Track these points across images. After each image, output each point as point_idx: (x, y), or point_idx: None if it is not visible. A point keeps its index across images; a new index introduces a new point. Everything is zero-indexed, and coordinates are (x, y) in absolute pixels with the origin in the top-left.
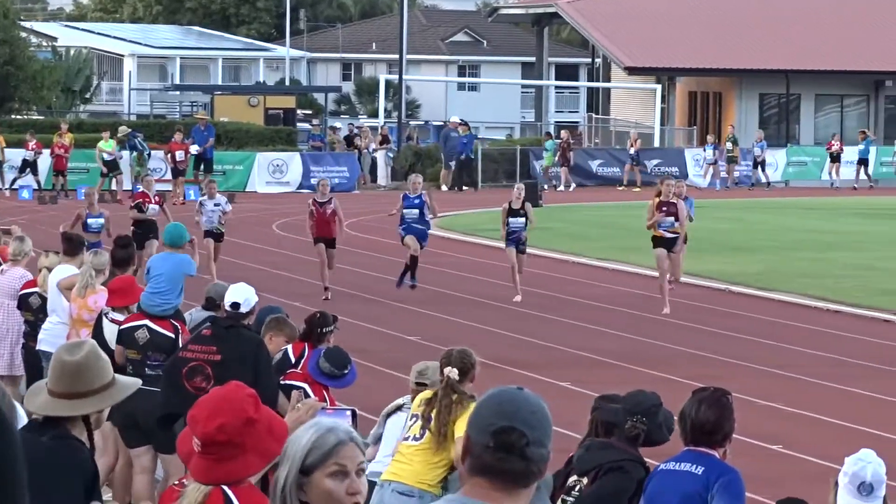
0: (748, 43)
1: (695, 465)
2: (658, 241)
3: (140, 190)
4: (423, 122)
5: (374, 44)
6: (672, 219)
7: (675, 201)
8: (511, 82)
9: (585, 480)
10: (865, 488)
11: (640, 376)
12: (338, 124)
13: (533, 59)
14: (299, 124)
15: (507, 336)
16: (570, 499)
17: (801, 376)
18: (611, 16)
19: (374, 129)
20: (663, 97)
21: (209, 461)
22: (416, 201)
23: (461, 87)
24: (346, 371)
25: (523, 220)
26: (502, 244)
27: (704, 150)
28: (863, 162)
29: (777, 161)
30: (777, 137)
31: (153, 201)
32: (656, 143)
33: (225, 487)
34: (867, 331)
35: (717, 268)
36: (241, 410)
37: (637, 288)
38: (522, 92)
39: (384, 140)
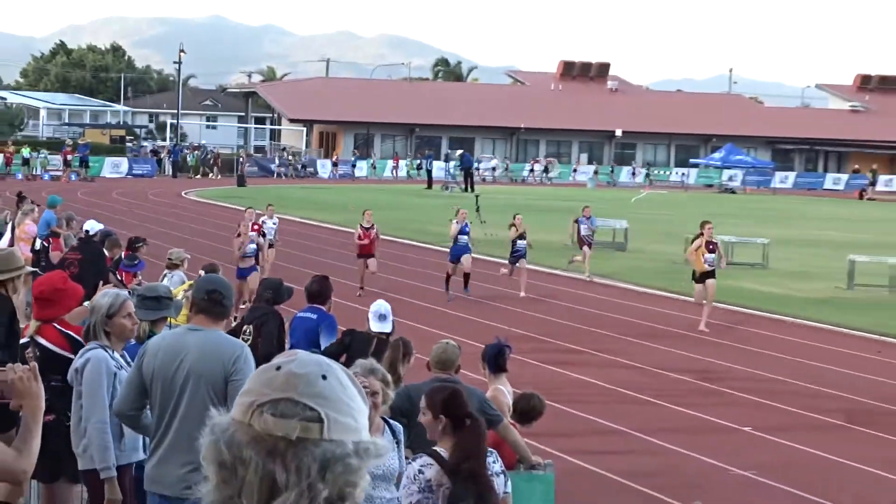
0: (349, 106)
1: (312, 314)
2: (701, 275)
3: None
4: (188, 144)
5: (165, 104)
6: (714, 255)
7: (716, 241)
8: (233, 125)
9: (252, 327)
10: (382, 317)
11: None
12: (146, 144)
13: (244, 113)
14: (127, 144)
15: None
16: (247, 336)
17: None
18: (282, 93)
19: (164, 147)
20: (308, 134)
21: (39, 308)
22: (466, 228)
23: (208, 127)
24: (136, 263)
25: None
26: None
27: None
28: (354, 166)
29: (364, 166)
30: (364, 156)
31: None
32: (303, 159)
33: (55, 323)
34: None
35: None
36: (55, 283)
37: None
38: (238, 128)
39: (169, 153)
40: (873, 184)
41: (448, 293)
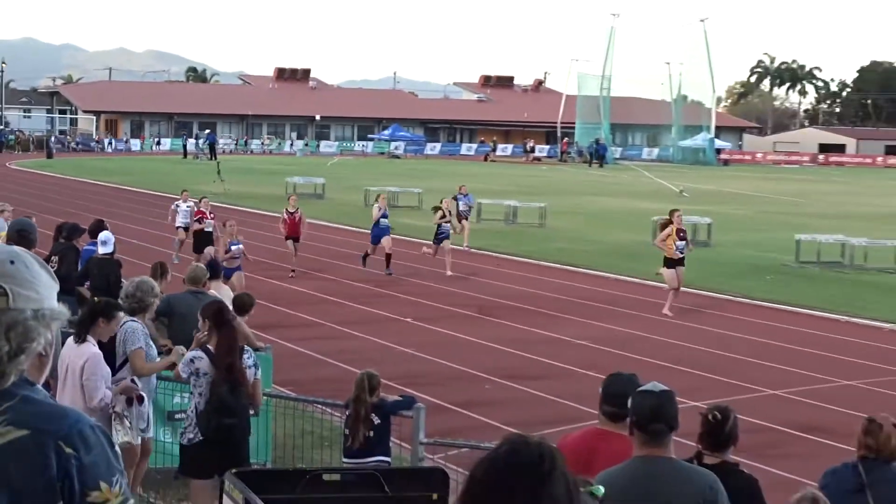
0: (126, 101)
1: (94, 246)
2: (672, 261)
3: (200, 208)
4: (10, 129)
5: None
6: (684, 243)
7: (685, 228)
8: (43, 115)
9: (57, 257)
10: (104, 243)
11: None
12: None
13: (50, 107)
14: None
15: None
16: (53, 264)
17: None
18: (78, 92)
19: None
20: (97, 121)
21: None
22: (387, 213)
23: (24, 117)
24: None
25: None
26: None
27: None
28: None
29: (138, 143)
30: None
31: (209, 217)
32: (95, 137)
33: None
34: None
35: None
36: None
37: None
38: (47, 118)
39: None
40: (494, 150)
41: (364, 267)
